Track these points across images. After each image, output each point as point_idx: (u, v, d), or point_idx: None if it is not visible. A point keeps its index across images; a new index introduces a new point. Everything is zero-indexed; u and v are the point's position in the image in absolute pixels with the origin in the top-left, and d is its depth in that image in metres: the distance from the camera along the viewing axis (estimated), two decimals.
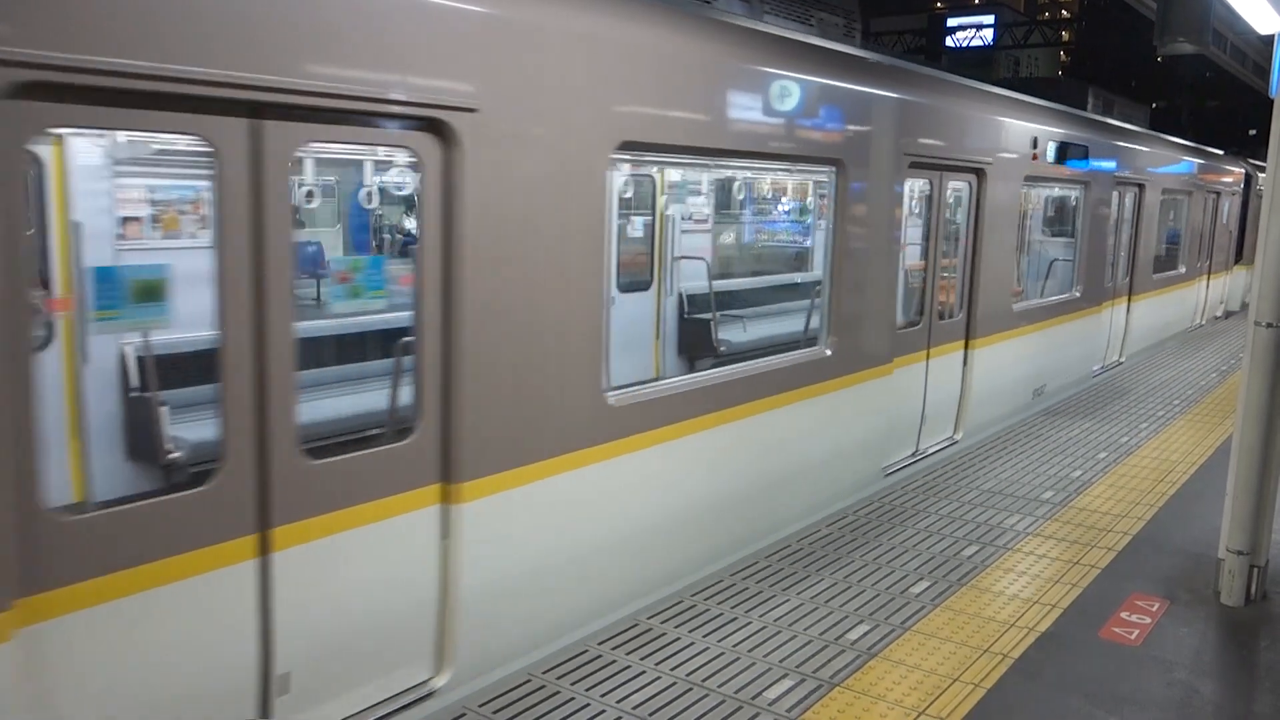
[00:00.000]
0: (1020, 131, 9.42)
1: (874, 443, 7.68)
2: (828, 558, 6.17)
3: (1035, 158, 9.60)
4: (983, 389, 9.23)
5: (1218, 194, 17.73)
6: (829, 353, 6.87)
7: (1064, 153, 10.07)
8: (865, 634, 5.12)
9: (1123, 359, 13.64)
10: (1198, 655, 5.03)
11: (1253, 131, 34.82)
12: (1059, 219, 13.41)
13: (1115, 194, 12.40)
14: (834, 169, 6.75)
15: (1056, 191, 12.60)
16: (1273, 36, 7.11)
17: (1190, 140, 22.42)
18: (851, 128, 6.83)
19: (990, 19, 31.96)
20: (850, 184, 6.82)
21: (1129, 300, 13.59)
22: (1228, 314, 20.48)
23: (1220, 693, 4.68)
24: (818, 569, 5.98)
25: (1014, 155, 9.31)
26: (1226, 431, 9.74)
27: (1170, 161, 14.59)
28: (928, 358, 8.32)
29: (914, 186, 8.47)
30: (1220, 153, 19.19)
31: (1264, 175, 16.58)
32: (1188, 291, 16.61)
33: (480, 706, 4.31)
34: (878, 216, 7.22)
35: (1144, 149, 13.41)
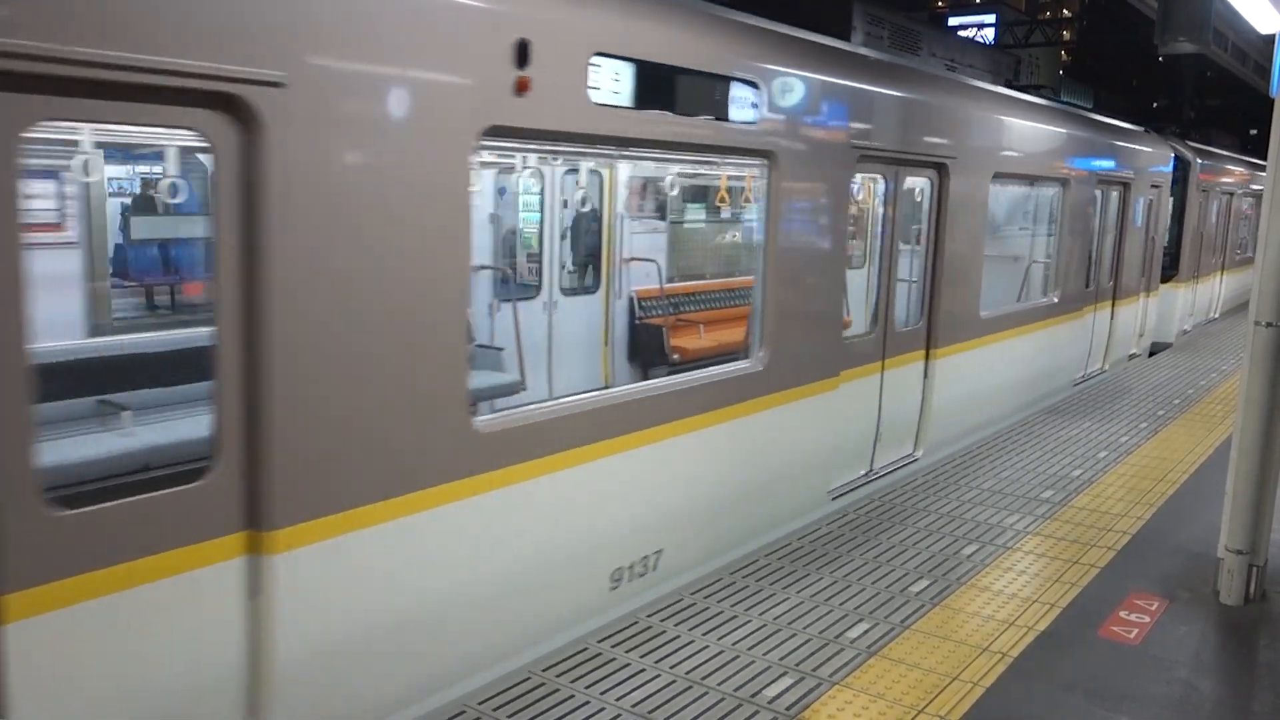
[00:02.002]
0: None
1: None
2: (827, 556, 6.18)
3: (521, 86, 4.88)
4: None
5: (1125, 186, 12.59)
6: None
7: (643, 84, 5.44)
8: (865, 632, 5.12)
9: (917, 453, 8.52)
10: (1197, 654, 5.04)
11: (1254, 131, 34.79)
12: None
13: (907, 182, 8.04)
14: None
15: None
16: (1274, 36, 7.11)
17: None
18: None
19: (991, 18, 31.97)
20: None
21: (926, 359, 8.33)
22: (1153, 350, 15.40)
23: (1219, 691, 4.69)
24: (817, 567, 5.99)
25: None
26: (1226, 431, 9.75)
27: (1014, 135, 9.32)
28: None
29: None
30: (1131, 128, 13.59)
31: (1200, 162, 14.81)
32: (1068, 329, 11.38)
33: (480, 704, 4.32)
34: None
35: (944, 102, 8.15)
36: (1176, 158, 15.62)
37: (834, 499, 7.14)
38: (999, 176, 9.08)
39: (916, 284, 8.21)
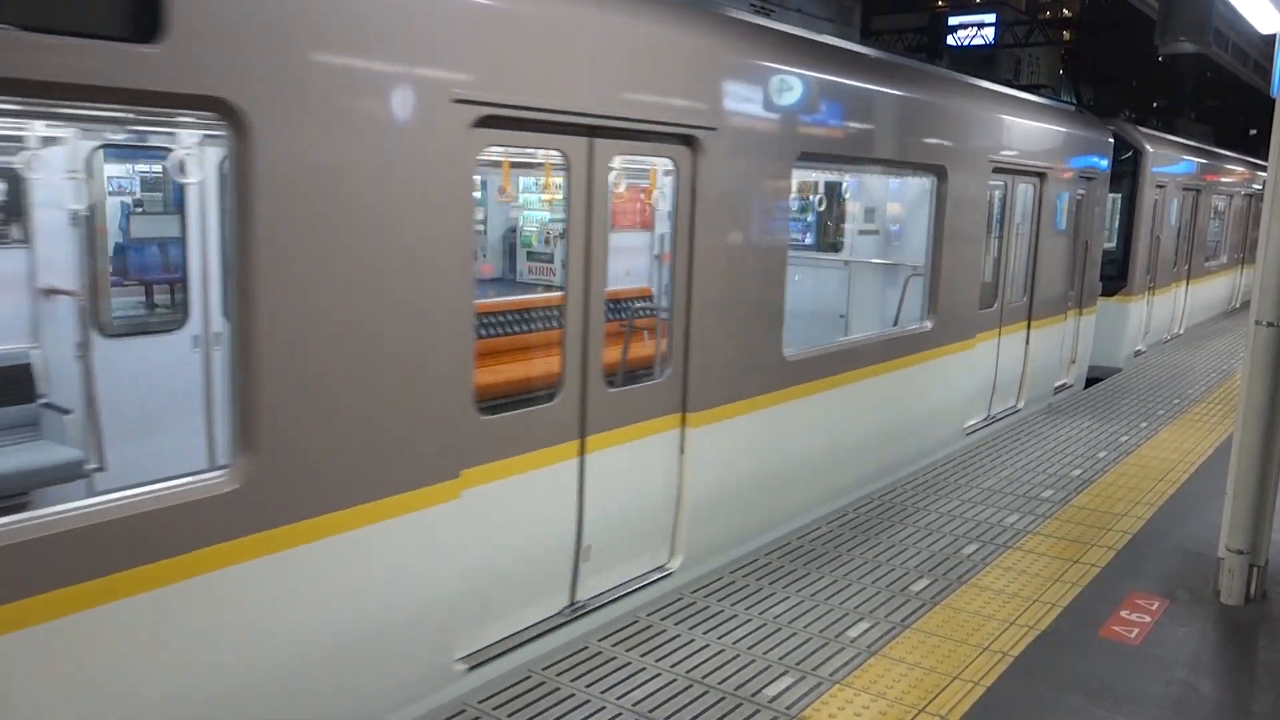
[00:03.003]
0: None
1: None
2: (827, 555, 6.17)
3: None
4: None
5: (1041, 177, 9.89)
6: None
7: None
8: (865, 631, 5.12)
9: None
10: (1197, 654, 5.04)
11: (1253, 131, 34.79)
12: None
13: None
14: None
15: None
16: (1274, 36, 7.11)
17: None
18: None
19: (991, 18, 31.94)
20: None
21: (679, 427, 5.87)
22: (1096, 377, 12.74)
23: (1219, 692, 4.68)
24: (818, 566, 5.99)
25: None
26: (1227, 430, 9.74)
27: (840, 103, 6.75)
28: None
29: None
30: (1056, 105, 11.02)
31: (1154, 151, 13.09)
32: (952, 364, 8.62)
33: (480, 703, 4.31)
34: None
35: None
36: (1125, 146, 13.28)
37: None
38: (812, 159, 6.71)
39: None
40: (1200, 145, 17.98)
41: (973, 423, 9.30)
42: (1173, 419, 10.37)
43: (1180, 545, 6.54)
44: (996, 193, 9.32)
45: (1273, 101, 5.98)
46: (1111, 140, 11.86)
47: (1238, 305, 21.77)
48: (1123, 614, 5.45)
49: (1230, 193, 19.96)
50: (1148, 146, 13.65)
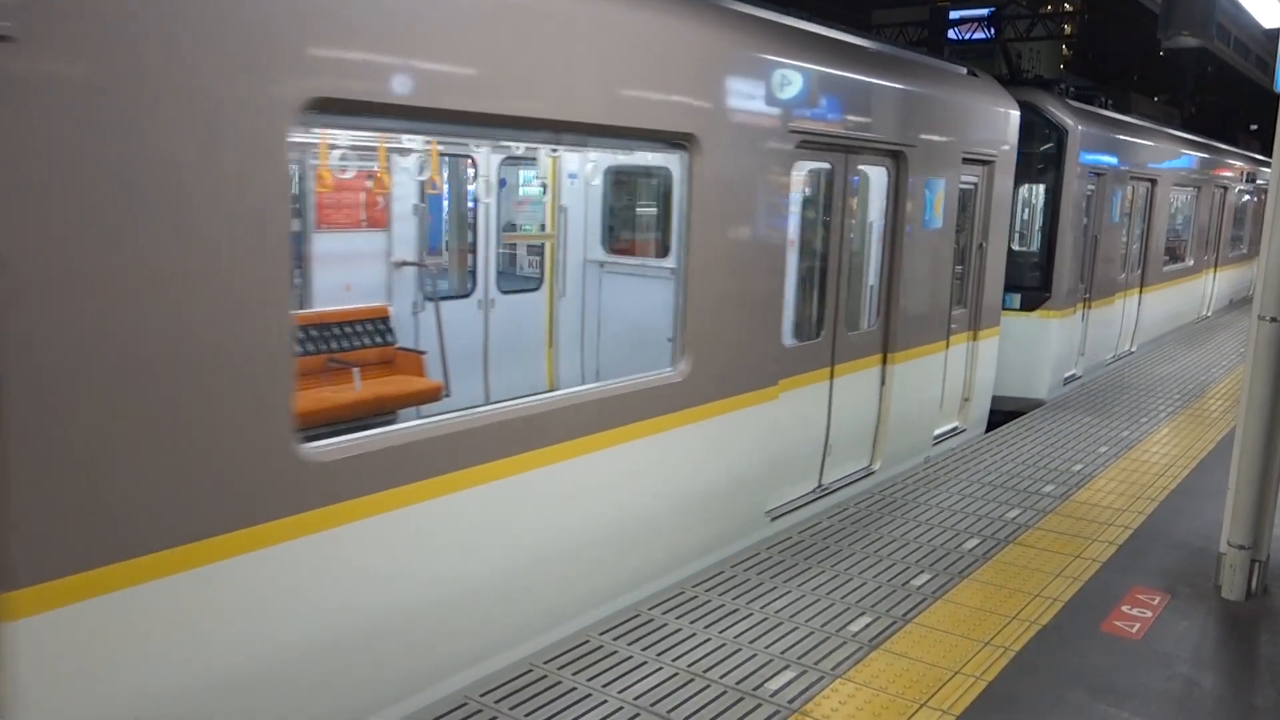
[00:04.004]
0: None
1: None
2: (829, 549, 6.17)
3: None
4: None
5: (897, 157, 7.55)
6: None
7: None
8: (867, 626, 5.12)
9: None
10: (1198, 649, 5.04)
11: (1254, 126, 34.75)
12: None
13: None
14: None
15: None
16: (1277, 30, 7.09)
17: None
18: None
19: (991, 12, 31.88)
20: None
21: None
22: (1006, 413, 10.48)
23: (1221, 686, 4.68)
24: (819, 561, 5.98)
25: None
26: (1228, 426, 9.74)
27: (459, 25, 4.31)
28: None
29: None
30: (929, 62, 8.55)
31: (1084, 130, 11.40)
32: (732, 424, 6.11)
33: (482, 696, 4.31)
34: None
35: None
36: (1041, 123, 10.61)
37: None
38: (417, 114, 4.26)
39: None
40: (1158, 127, 14.77)
41: (787, 500, 6.79)
42: (1174, 414, 10.35)
43: (1182, 540, 6.53)
44: (816, 178, 7.04)
45: (1275, 96, 5.96)
46: (1017, 114, 9.24)
47: (1209, 314, 18.95)
48: (1124, 609, 5.45)
49: (1197, 184, 16.58)
50: (1075, 125, 10.68)
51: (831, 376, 7.12)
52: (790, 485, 6.83)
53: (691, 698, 4.37)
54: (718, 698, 4.38)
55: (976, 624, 5.18)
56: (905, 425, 8.07)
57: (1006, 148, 9.18)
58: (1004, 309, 10.03)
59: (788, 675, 4.59)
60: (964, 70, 8.98)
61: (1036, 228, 11.14)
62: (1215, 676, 4.78)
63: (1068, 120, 10.76)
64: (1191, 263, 17.12)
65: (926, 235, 7.95)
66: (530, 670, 4.55)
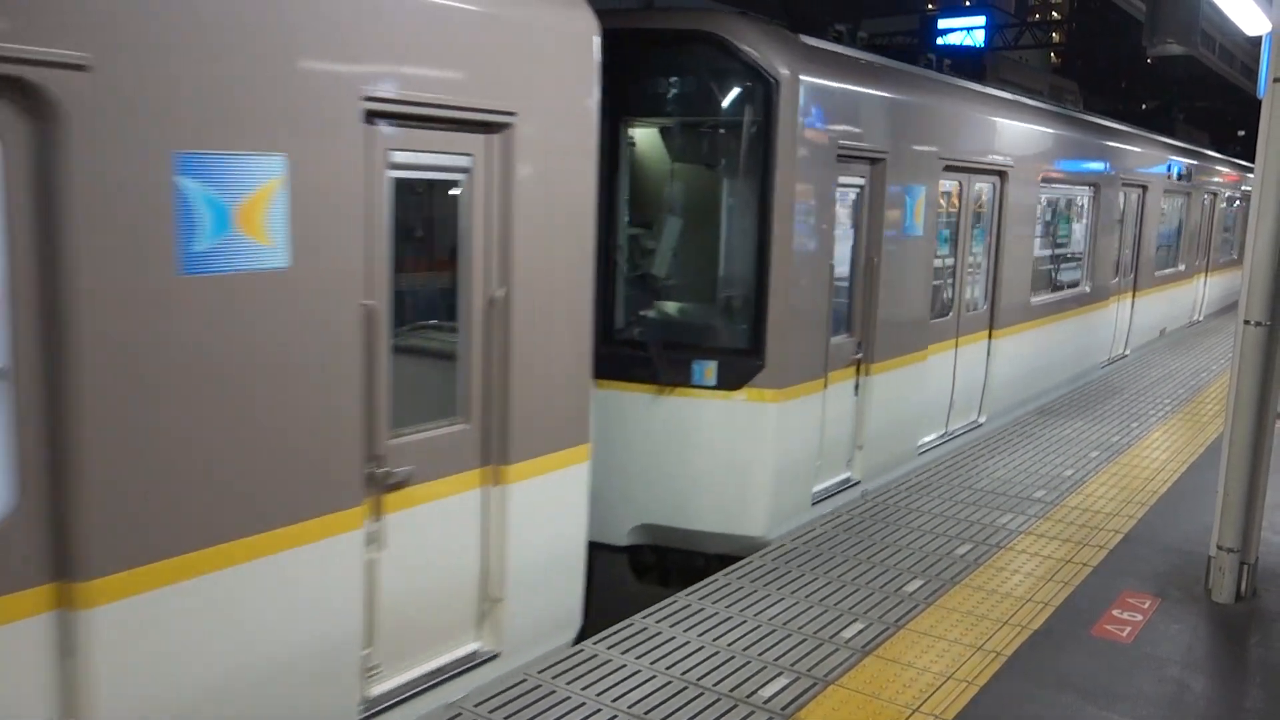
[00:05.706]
0: None
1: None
2: (821, 556, 6.19)
3: None
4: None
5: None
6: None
7: None
8: (859, 632, 5.14)
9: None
10: (1189, 652, 5.07)
11: (1241, 132, 34.95)
12: None
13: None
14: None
15: None
16: (1260, 38, 7.15)
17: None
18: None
19: (981, 20, 32.06)
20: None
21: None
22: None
23: (1211, 689, 4.71)
24: (811, 567, 6.00)
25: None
26: (1217, 430, 9.79)
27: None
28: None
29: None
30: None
31: (806, 83, 7.12)
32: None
33: (475, 706, 4.32)
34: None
35: None
36: (731, 69, 6.27)
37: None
38: None
39: None
40: (964, 84, 8.99)
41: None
42: (1164, 419, 10.40)
43: (1171, 544, 6.57)
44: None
45: (1259, 102, 6.02)
46: (587, 35, 4.71)
47: (1110, 360, 13.54)
48: (1115, 612, 5.48)
49: (1091, 182, 11.92)
50: (790, 74, 6.18)
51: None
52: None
53: (685, 705, 4.38)
54: (711, 705, 4.39)
55: (968, 629, 5.21)
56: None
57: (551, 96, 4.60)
58: (690, 386, 6.28)
59: (781, 682, 4.61)
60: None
61: (734, 246, 6.55)
62: (1205, 679, 4.81)
63: (777, 66, 6.17)
64: (1065, 294, 11.72)
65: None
66: (524, 680, 4.56)
